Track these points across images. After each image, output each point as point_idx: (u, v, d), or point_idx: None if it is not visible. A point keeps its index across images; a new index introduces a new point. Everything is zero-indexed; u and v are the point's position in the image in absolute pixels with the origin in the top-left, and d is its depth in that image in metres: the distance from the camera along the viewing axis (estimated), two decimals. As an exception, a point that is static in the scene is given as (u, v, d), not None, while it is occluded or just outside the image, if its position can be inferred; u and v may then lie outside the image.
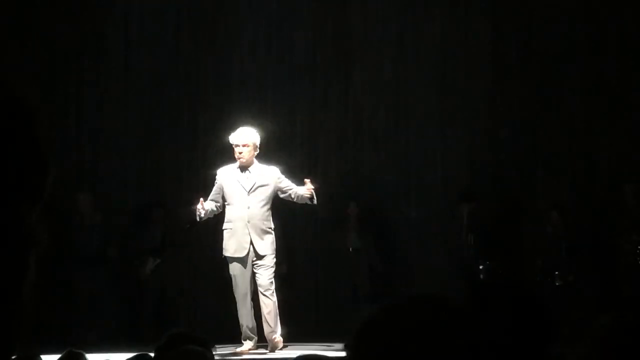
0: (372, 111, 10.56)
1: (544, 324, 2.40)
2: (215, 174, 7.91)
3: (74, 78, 10.41)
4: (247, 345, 7.80)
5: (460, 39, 10.52)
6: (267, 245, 7.75)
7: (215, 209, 7.82)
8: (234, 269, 7.78)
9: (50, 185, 2.54)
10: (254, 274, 7.77)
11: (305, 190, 7.72)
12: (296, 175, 9.80)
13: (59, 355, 4.45)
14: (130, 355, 4.17)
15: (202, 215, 7.70)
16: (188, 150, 10.42)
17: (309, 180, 7.74)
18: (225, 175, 7.86)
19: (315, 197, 7.74)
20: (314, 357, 3.63)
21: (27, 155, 2.52)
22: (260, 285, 7.71)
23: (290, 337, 8.94)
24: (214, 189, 7.90)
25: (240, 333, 7.84)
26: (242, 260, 7.74)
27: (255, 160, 7.86)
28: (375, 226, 10.27)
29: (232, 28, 10.56)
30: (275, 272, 7.82)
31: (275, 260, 7.81)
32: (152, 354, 4.02)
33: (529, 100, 10.38)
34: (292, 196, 7.82)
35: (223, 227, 7.80)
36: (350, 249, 10.14)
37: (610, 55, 10.29)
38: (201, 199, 7.72)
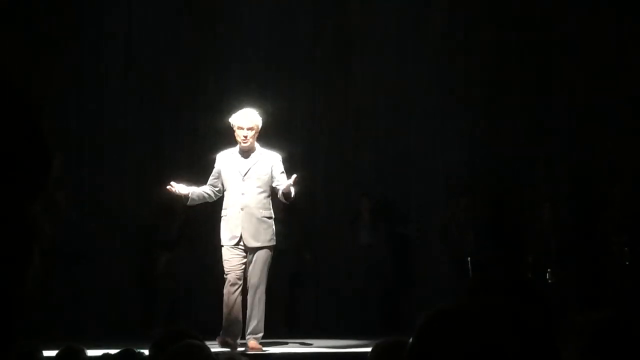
0: (372, 105, 10.54)
1: (547, 317, 2.41)
2: (215, 158, 7.58)
3: (74, 68, 10.36)
4: (227, 341, 7.32)
5: (461, 32, 10.52)
6: (260, 236, 7.32)
7: (210, 194, 7.48)
8: (225, 257, 7.38)
9: (52, 176, 2.55)
10: (247, 266, 7.36)
11: (286, 184, 7.26)
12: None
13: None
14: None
15: (189, 194, 7.34)
16: (189, 146, 10.39)
17: (295, 177, 7.26)
18: (224, 160, 7.51)
19: (292, 195, 7.30)
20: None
21: (29, 146, 2.52)
22: (249, 282, 7.34)
23: (297, 334, 8.91)
24: (212, 173, 7.56)
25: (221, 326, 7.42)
26: (234, 250, 7.35)
27: (257, 145, 7.50)
28: (388, 221, 10.22)
29: (232, 20, 10.53)
30: (269, 261, 7.35)
31: (272, 253, 7.39)
32: (139, 350, 4.01)
33: (528, 96, 10.39)
34: (276, 191, 7.40)
35: (221, 214, 7.47)
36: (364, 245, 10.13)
37: (611, 53, 10.28)
38: (172, 183, 7.35)
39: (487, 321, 1.61)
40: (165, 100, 10.49)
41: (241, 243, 7.33)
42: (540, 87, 10.44)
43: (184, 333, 3.88)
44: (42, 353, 4.53)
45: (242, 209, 7.33)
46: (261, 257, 7.34)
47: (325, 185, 10.49)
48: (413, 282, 10.19)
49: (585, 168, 10.19)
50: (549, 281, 9.39)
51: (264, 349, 7.44)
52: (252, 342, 7.36)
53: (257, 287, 7.34)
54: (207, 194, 7.52)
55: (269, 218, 7.42)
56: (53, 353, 4.55)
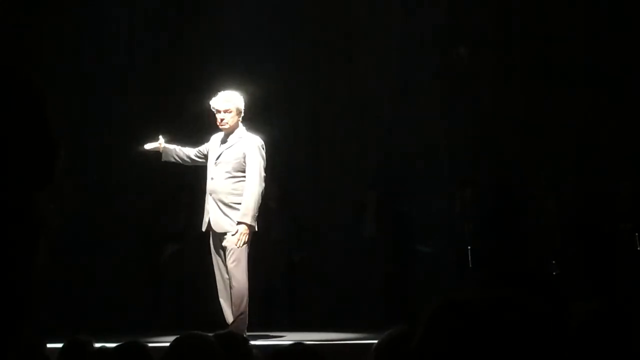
0: (376, 94, 10.52)
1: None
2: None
3: (73, 53, 10.31)
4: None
5: (466, 22, 10.50)
6: (228, 221, 7.04)
7: (191, 156, 7.41)
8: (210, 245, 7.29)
9: (60, 167, 2.55)
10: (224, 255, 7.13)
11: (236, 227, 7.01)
12: (302, 172, 9.78)
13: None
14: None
15: (160, 148, 7.34)
16: (193, 133, 10.32)
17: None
18: (213, 140, 7.39)
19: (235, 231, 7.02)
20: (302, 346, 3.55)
21: (36, 137, 2.52)
22: (227, 268, 7.11)
23: (302, 326, 8.88)
24: (203, 145, 7.47)
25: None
26: (207, 236, 7.23)
27: (240, 127, 7.26)
28: (393, 214, 10.20)
29: (234, 12, 10.49)
30: (243, 251, 7.01)
31: (245, 238, 7.01)
32: (141, 342, 4.01)
33: (534, 88, 10.37)
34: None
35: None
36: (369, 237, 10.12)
37: (618, 46, 10.25)
38: (160, 137, 7.39)
39: (495, 312, 1.60)
40: (167, 88, 10.45)
41: (211, 230, 7.16)
42: (547, 77, 10.39)
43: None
44: (45, 346, 4.53)
45: (210, 194, 7.16)
46: (231, 244, 7.06)
47: (327, 175, 10.47)
48: (417, 275, 10.16)
49: (591, 157, 10.16)
50: (554, 273, 9.38)
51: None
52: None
53: (230, 273, 7.07)
54: (187, 155, 7.46)
55: (239, 204, 7.09)
56: (58, 346, 4.56)
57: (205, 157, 7.41)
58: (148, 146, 7.47)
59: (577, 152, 10.25)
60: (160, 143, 7.45)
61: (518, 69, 10.46)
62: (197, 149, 7.50)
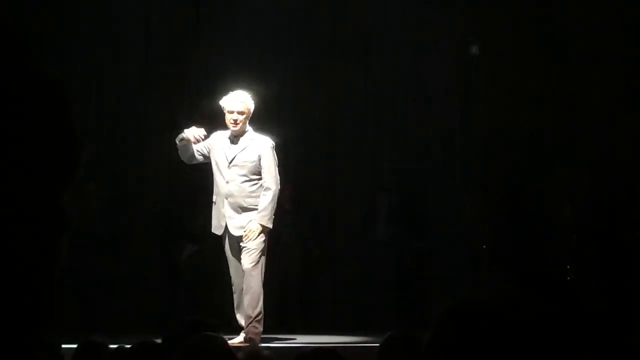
0: (390, 98, 10.51)
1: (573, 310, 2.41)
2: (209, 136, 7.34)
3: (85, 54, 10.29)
4: (238, 338, 7.15)
5: (480, 25, 10.48)
6: (244, 224, 7.08)
7: (195, 155, 7.31)
8: (225, 248, 7.30)
9: (82, 167, 2.55)
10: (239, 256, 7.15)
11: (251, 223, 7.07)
12: (314, 171, 9.73)
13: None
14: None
15: (190, 140, 7.18)
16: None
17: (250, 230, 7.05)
18: (217, 141, 7.26)
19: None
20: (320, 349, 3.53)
21: (60, 136, 2.52)
22: (243, 269, 7.10)
23: (315, 328, 8.86)
24: (203, 143, 7.29)
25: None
26: (223, 240, 7.22)
27: (249, 128, 7.25)
28: (406, 218, 10.19)
29: (249, 11, 10.50)
30: (263, 248, 7.06)
31: (263, 239, 7.09)
32: (157, 341, 4.01)
33: (549, 90, 10.35)
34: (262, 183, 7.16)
35: (212, 200, 7.29)
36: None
37: (634, 45, 10.22)
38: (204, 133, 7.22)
39: (505, 313, 1.60)
40: (184, 90, 10.46)
41: (229, 233, 7.16)
42: (562, 79, 10.37)
43: (201, 323, 3.89)
44: (60, 346, 4.53)
45: (226, 198, 7.13)
46: (251, 244, 7.09)
47: (342, 178, 10.47)
48: (430, 279, 10.14)
49: (607, 162, 10.12)
50: (568, 278, 9.34)
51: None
52: (245, 338, 7.08)
53: (248, 274, 7.07)
54: (194, 150, 7.33)
55: (256, 206, 7.13)
56: (72, 345, 4.55)
57: (205, 156, 7.33)
58: (189, 132, 7.24)
59: (593, 155, 10.21)
60: (203, 138, 7.27)
61: (533, 71, 10.42)
62: (196, 148, 7.36)
